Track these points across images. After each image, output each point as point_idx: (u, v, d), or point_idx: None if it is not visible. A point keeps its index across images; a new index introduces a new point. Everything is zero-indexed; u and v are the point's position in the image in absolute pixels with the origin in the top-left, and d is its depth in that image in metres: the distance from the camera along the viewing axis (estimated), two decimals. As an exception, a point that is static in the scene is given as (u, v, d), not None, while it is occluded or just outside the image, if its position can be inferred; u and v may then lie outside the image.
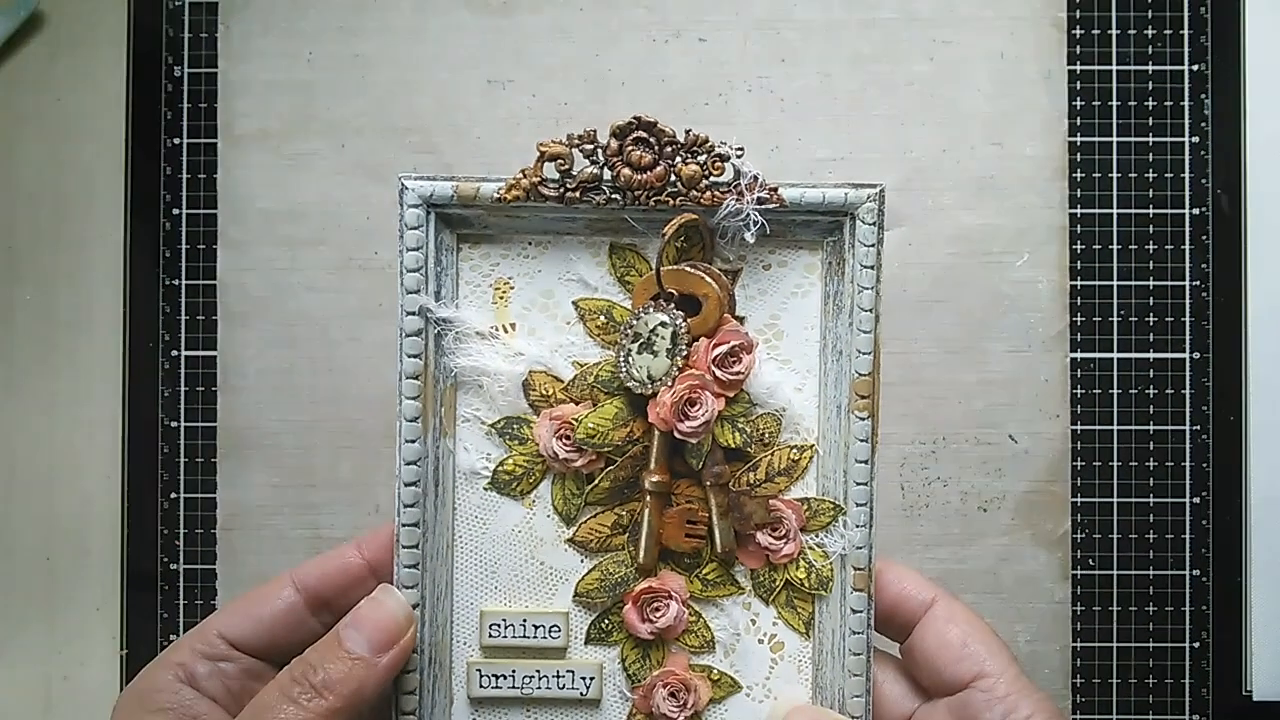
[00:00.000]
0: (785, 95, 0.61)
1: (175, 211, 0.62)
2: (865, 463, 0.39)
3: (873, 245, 0.39)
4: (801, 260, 0.41)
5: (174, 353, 0.62)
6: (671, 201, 0.38)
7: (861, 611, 0.39)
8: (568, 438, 0.40)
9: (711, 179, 0.38)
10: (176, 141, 0.63)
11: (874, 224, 0.39)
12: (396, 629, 0.38)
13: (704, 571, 0.41)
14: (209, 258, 0.62)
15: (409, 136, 0.61)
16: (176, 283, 0.62)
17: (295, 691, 0.37)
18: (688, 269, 0.39)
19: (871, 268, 0.39)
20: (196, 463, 0.62)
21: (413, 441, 0.39)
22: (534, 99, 0.61)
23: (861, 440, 0.39)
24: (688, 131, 0.38)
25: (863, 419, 0.39)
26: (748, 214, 0.38)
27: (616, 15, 0.62)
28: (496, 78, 0.62)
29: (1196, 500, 0.61)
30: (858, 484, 0.39)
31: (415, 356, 0.39)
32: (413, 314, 0.39)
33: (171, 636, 0.62)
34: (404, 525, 0.40)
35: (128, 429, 0.62)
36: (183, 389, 0.62)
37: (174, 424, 0.62)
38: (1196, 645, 0.61)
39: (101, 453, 0.62)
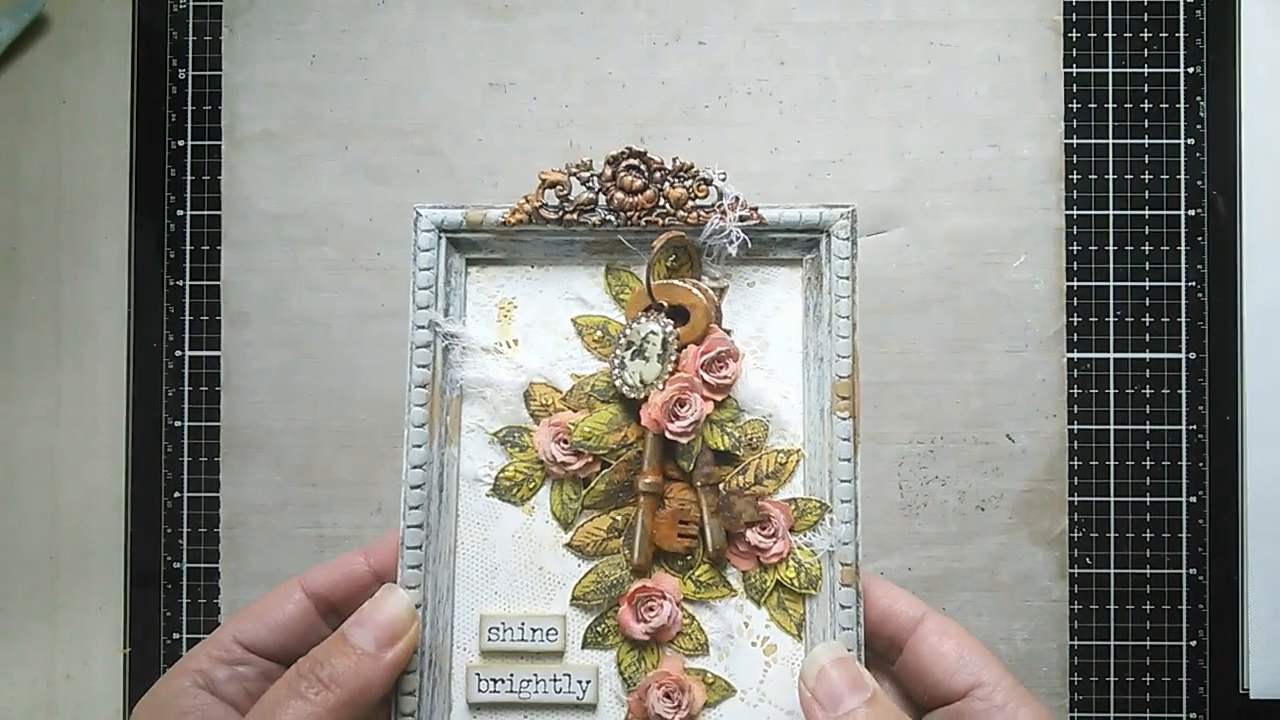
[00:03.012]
0: (784, 97, 0.62)
1: (179, 212, 0.63)
2: (849, 461, 0.41)
3: (847, 258, 0.41)
4: (783, 277, 0.43)
5: (178, 353, 0.63)
6: (661, 221, 0.41)
7: (850, 607, 0.40)
8: (565, 441, 0.41)
9: (697, 200, 0.41)
10: (181, 143, 0.63)
11: (848, 239, 0.41)
12: (400, 625, 0.39)
13: (697, 573, 0.41)
14: (213, 258, 0.63)
15: (411, 138, 0.62)
16: (180, 283, 0.63)
17: (302, 686, 0.37)
18: (676, 282, 0.42)
19: (847, 278, 0.41)
20: (199, 462, 0.62)
21: (419, 447, 0.41)
22: (535, 101, 0.62)
23: (844, 439, 0.41)
24: (675, 159, 0.41)
25: (844, 419, 0.41)
26: (730, 230, 0.41)
27: (617, 18, 0.62)
28: (498, 80, 0.62)
29: (1193, 499, 0.61)
30: (842, 481, 0.41)
31: (424, 367, 0.41)
32: (422, 328, 0.41)
33: (175, 635, 0.62)
34: (409, 527, 0.40)
35: (131, 428, 0.63)
36: (186, 388, 0.63)
37: (177, 423, 0.63)
38: (1193, 644, 0.61)
39: (105, 452, 0.63)
